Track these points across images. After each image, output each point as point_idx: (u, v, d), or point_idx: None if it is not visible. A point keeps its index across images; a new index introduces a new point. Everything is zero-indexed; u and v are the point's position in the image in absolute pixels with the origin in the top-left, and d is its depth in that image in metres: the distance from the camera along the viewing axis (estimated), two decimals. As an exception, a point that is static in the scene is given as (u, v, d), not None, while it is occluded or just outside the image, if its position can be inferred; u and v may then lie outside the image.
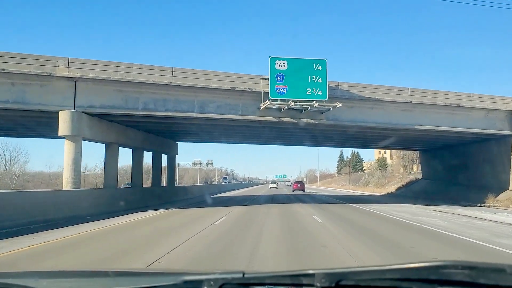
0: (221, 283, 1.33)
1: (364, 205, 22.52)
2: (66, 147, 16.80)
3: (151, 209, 18.53)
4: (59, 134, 16.68)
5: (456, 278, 1.13)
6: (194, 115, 18.60)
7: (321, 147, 48.29)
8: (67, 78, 16.61)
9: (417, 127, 21.85)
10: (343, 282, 1.22)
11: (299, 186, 49.85)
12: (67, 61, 16.61)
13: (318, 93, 18.89)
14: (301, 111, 19.46)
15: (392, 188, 45.14)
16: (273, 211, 17.65)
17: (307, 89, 18.85)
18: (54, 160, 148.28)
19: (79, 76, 16.68)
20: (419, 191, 35.04)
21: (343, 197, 33.66)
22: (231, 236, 9.54)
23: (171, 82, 17.76)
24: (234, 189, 61.42)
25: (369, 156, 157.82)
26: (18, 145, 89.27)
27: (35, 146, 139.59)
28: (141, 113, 17.93)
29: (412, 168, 60.67)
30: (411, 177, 44.73)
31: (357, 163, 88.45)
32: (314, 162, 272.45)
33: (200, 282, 1.37)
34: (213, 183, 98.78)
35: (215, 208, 19.66)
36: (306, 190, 51.34)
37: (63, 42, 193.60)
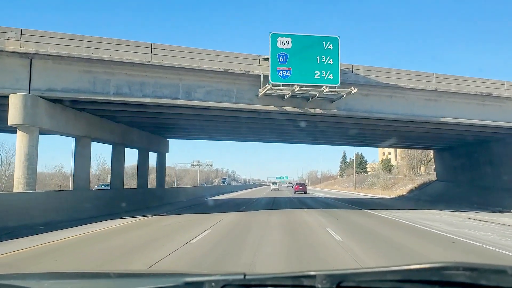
0: (222, 284, 1.32)
1: (381, 211, 19.18)
2: (18, 140, 13.61)
3: (125, 216, 15.26)
4: (9, 123, 13.45)
5: (457, 279, 1.11)
6: (179, 102, 15.32)
7: (324, 145, 45.03)
8: (20, 54, 13.40)
9: (442, 119, 18.62)
10: (344, 284, 1.20)
11: (300, 187, 49.74)
12: (19, 33, 13.39)
13: (329, 77, 15.66)
14: (308, 99, 16.23)
15: (403, 191, 41.72)
16: (273, 221, 14.16)
17: (316, 72, 15.62)
18: (55, 160, 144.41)
19: (34, 52, 13.47)
20: (435, 194, 31.78)
21: (352, 201, 30.23)
22: (204, 270, 6.18)
23: (149, 62, 14.51)
24: (233, 191, 58.31)
25: (373, 157, 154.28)
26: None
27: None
28: (112, 98, 14.66)
29: (419, 169, 57.28)
30: (424, 179, 41.30)
31: (361, 164, 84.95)
32: (316, 164, 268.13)
33: (201, 283, 1.36)
34: (213, 184, 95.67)
35: (204, 215, 16.33)
36: (308, 192, 51.38)
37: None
